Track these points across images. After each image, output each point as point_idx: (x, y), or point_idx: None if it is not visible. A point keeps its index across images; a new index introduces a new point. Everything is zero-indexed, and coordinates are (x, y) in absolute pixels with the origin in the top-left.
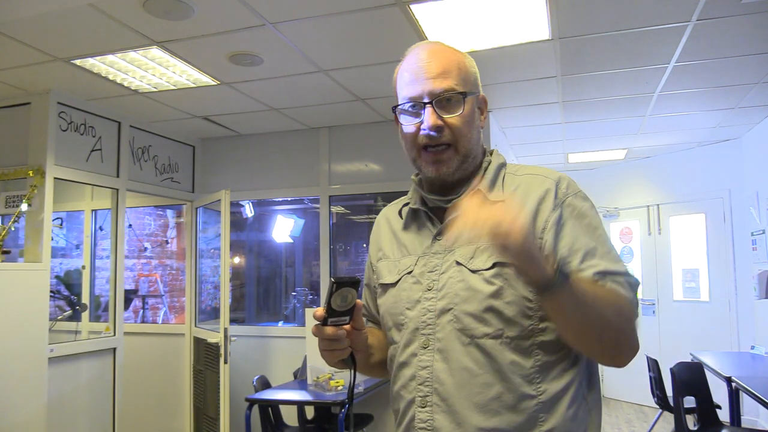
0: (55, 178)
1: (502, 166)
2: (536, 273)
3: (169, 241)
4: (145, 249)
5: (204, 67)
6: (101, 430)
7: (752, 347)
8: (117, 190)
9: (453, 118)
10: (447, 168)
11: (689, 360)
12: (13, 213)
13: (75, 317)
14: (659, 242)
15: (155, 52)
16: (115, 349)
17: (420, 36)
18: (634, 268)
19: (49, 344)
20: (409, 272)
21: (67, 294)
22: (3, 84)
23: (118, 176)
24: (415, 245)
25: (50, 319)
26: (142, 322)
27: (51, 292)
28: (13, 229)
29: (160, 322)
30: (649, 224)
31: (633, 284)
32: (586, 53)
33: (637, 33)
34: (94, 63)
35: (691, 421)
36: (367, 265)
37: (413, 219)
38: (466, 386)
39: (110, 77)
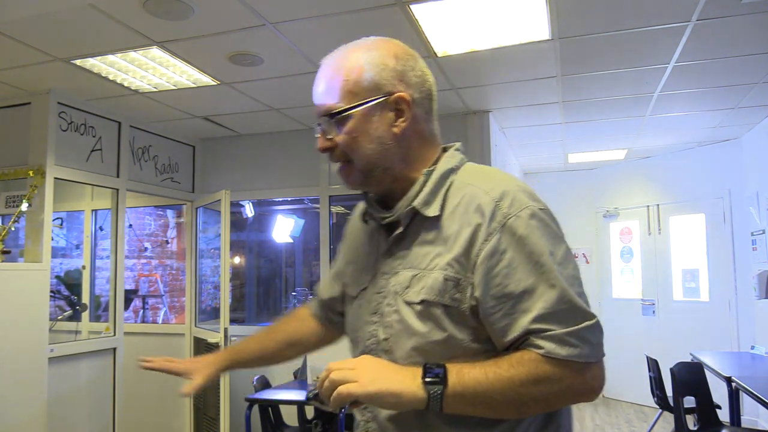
0: (55, 178)
1: (451, 172)
2: (400, 407)
3: (169, 241)
4: (146, 249)
5: (204, 67)
6: (101, 430)
7: (752, 347)
8: (117, 190)
9: (340, 137)
10: (352, 184)
11: (689, 360)
12: (14, 213)
13: (75, 317)
14: (659, 242)
15: (155, 52)
16: (115, 349)
17: (420, 36)
18: (635, 268)
19: (50, 344)
20: (365, 288)
21: (68, 294)
22: (3, 84)
23: (118, 176)
24: (370, 258)
25: (50, 319)
26: (143, 322)
27: (51, 292)
28: (13, 229)
29: (160, 322)
30: (649, 224)
31: (579, 335)
32: (586, 53)
33: (637, 33)
34: (94, 63)
35: (691, 421)
36: (338, 253)
37: (370, 227)
38: (400, 422)
39: (110, 77)
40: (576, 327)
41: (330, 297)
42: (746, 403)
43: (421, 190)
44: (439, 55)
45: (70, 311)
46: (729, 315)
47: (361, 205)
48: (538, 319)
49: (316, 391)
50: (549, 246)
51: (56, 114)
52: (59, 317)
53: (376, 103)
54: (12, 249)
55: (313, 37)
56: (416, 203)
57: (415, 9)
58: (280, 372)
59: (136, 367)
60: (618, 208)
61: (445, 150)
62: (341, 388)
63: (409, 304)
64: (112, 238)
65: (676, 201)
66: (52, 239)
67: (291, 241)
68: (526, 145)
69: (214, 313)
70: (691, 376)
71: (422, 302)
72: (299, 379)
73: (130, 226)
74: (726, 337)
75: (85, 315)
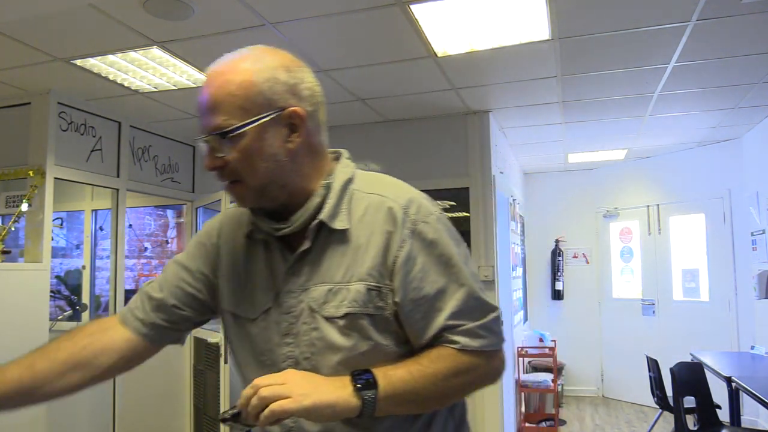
0: (55, 178)
1: (349, 182)
2: (335, 417)
3: (170, 241)
4: (146, 249)
5: (204, 67)
6: (101, 430)
7: (752, 347)
8: (117, 190)
9: (231, 155)
10: (244, 203)
11: (689, 360)
12: (14, 213)
13: (75, 317)
14: (659, 242)
15: (155, 52)
16: None
17: (420, 36)
18: (635, 268)
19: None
20: (267, 310)
21: (68, 294)
22: (3, 84)
23: (118, 176)
24: (268, 278)
25: (50, 319)
26: None
27: (51, 292)
28: (13, 229)
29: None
30: (649, 224)
31: (487, 327)
32: (586, 53)
33: (637, 33)
34: (94, 63)
35: (691, 421)
36: (190, 255)
37: (259, 244)
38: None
39: (110, 77)
40: (484, 320)
41: (176, 302)
42: (746, 403)
43: (323, 202)
44: (439, 55)
45: (70, 311)
46: (729, 315)
47: (230, 218)
48: (452, 316)
49: (237, 411)
50: (453, 247)
51: (56, 114)
52: (59, 317)
53: (269, 119)
54: (12, 249)
55: (313, 38)
56: (323, 217)
57: (415, 9)
58: None
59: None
60: (618, 208)
61: (336, 158)
62: (274, 406)
63: (329, 319)
64: (112, 238)
65: (676, 201)
66: (52, 239)
67: None
68: (526, 145)
69: None
70: (691, 376)
71: (346, 316)
72: None
73: (130, 226)
74: (726, 337)
75: (85, 315)
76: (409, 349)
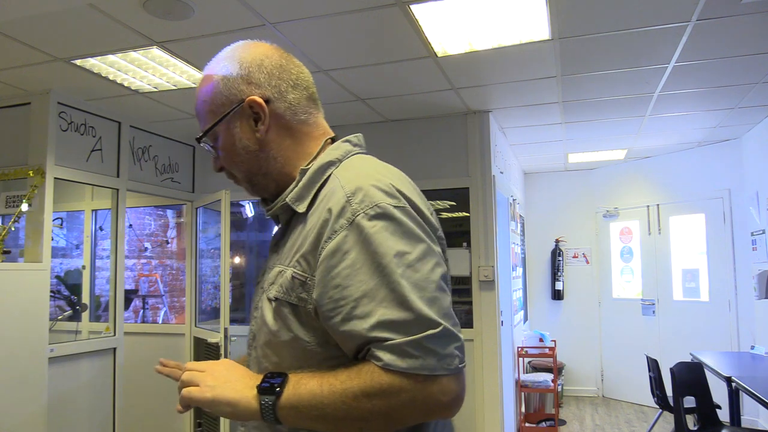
0: (55, 178)
1: (330, 165)
2: (236, 416)
3: (170, 241)
4: (146, 249)
5: (204, 68)
6: (101, 430)
7: (752, 347)
8: (117, 190)
9: (220, 155)
10: (248, 192)
11: (689, 360)
12: (14, 213)
13: (75, 317)
14: (659, 242)
15: (155, 52)
16: (115, 349)
17: (420, 36)
18: (635, 268)
19: (50, 344)
20: (258, 282)
21: (68, 294)
22: (3, 84)
23: (118, 176)
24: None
25: (50, 319)
26: (143, 322)
27: (51, 292)
28: (13, 229)
29: (160, 322)
30: (649, 224)
31: (421, 345)
32: (586, 53)
33: (637, 33)
34: (94, 63)
35: (691, 421)
36: None
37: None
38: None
39: (110, 77)
40: (417, 336)
41: None
42: (746, 403)
43: (295, 186)
44: (439, 55)
45: (70, 311)
46: (729, 315)
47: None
48: (377, 326)
49: None
50: (399, 246)
51: (56, 114)
52: (59, 317)
53: (232, 115)
54: (12, 249)
55: (313, 38)
56: (288, 199)
57: (415, 9)
58: None
59: (136, 366)
60: (618, 208)
61: (332, 141)
62: (184, 391)
63: (269, 300)
64: (112, 238)
65: (676, 201)
66: (52, 239)
67: None
68: (526, 145)
69: (214, 313)
70: (691, 376)
71: (275, 300)
72: None
73: (130, 226)
74: (726, 337)
75: (85, 315)
76: (339, 353)
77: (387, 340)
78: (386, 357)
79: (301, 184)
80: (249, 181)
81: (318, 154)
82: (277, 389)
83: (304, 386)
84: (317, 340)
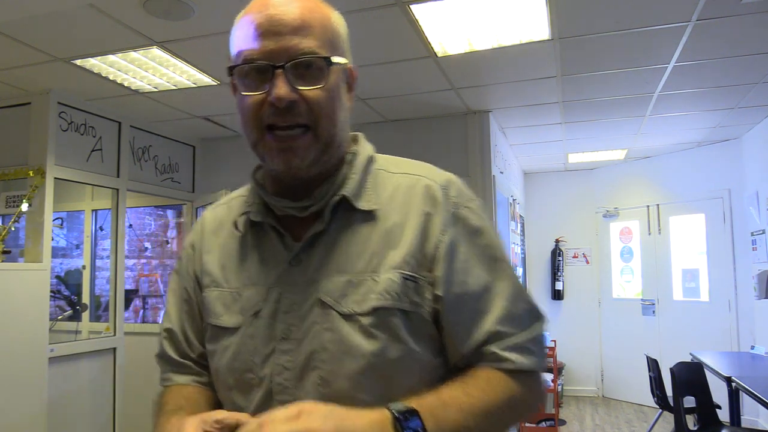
0: (55, 178)
1: (371, 161)
2: None
3: (170, 241)
4: (146, 249)
5: (204, 67)
6: (101, 430)
7: (752, 347)
8: (117, 190)
9: (313, 91)
10: (301, 160)
11: (689, 360)
12: (14, 213)
13: (75, 317)
14: (659, 242)
15: (156, 52)
16: (115, 349)
17: (420, 36)
18: (635, 268)
19: (50, 344)
20: (257, 312)
21: (68, 294)
22: (3, 84)
23: (118, 176)
24: (261, 271)
25: (50, 319)
26: (143, 321)
27: (51, 292)
28: (13, 229)
29: (160, 322)
30: (649, 224)
31: (537, 340)
32: (586, 53)
33: (637, 33)
34: (94, 63)
35: (691, 421)
36: (179, 275)
37: (256, 233)
38: None
39: (110, 77)
40: (535, 331)
41: (201, 350)
42: (746, 403)
43: (347, 177)
44: (439, 55)
45: (70, 311)
46: (729, 315)
47: (214, 212)
48: (500, 320)
49: None
50: (497, 238)
51: (56, 114)
52: (59, 317)
53: (345, 68)
54: (12, 249)
55: None
56: (346, 192)
57: (415, 9)
58: None
59: (136, 366)
60: (618, 208)
61: (353, 139)
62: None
63: (348, 317)
64: (112, 238)
65: (676, 201)
66: (53, 239)
67: None
68: (526, 145)
69: None
70: (691, 376)
71: (374, 311)
72: None
73: (130, 226)
74: (726, 337)
75: (85, 315)
76: (443, 361)
77: (510, 335)
78: (514, 357)
79: (355, 176)
80: (327, 143)
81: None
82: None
83: (444, 420)
84: (430, 350)
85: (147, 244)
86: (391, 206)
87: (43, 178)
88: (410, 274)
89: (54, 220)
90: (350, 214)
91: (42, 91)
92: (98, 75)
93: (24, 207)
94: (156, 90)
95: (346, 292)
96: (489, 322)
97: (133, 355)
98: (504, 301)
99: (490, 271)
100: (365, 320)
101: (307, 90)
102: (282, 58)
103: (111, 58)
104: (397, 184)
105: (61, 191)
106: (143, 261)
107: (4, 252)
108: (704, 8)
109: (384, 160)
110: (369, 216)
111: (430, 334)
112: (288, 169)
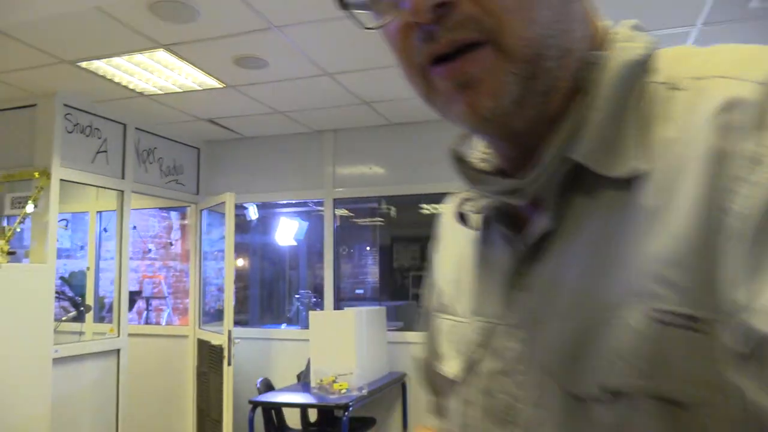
0: (60, 179)
1: (637, 67)
2: None
3: (173, 243)
4: (149, 251)
5: (209, 70)
6: (105, 430)
7: None
8: (122, 191)
9: None
10: (493, 99)
11: None
12: (19, 214)
13: (79, 318)
14: None
15: (161, 54)
16: (119, 350)
17: None
18: None
19: (54, 345)
20: (473, 365)
21: (72, 295)
22: (9, 86)
23: (123, 178)
24: (484, 291)
25: (55, 320)
26: (146, 323)
27: (56, 293)
28: (18, 230)
29: (164, 323)
30: None
31: None
32: None
33: None
34: (99, 66)
35: None
36: (426, 291)
37: (484, 228)
38: None
39: (116, 80)
40: None
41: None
42: None
43: (585, 117)
44: None
45: (75, 312)
46: None
47: (450, 205)
48: None
49: None
50: None
51: (62, 116)
52: (63, 318)
53: None
54: (17, 250)
55: (318, 41)
56: (579, 151)
57: None
58: (284, 374)
59: (139, 368)
60: None
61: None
62: None
63: (581, 399)
64: (117, 239)
65: None
66: (57, 240)
67: (295, 243)
68: None
69: (217, 315)
70: None
71: (614, 396)
72: (303, 381)
73: (135, 228)
74: None
75: (89, 316)
76: None
77: None
78: None
79: (598, 114)
80: (533, 63)
81: (605, 42)
82: None
83: None
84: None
85: (151, 246)
86: (668, 159)
87: (48, 179)
88: (669, 309)
89: (59, 221)
90: (597, 189)
91: (48, 93)
92: (103, 77)
93: (29, 208)
94: (161, 92)
95: (577, 353)
96: None
97: (137, 357)
98: None
99: None
100: (600, 411)
101: None
102: None
103: (116, 60)
104: (684, 109)
105: (67, 193)
106: (147, 263)
107: (10, 253)
108: (710, 13)
109: (672, 61)
110: (627, 188)
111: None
112: (476, 121)
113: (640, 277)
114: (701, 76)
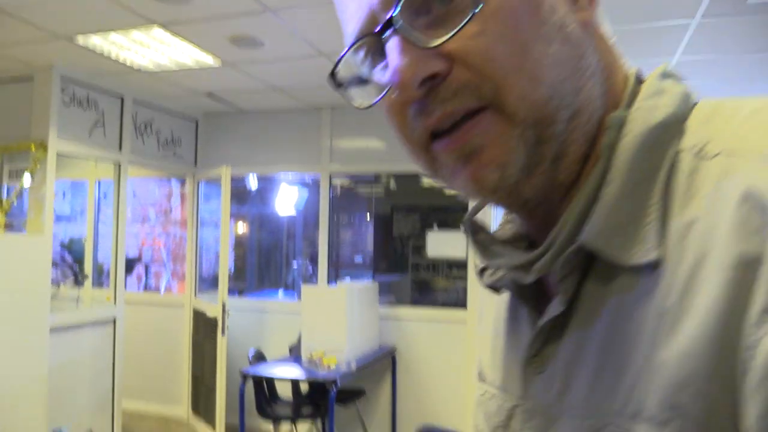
0: (57, 152)
1: (664, 132)
2: None
3: (174, 209)
4: (149, 217)
5: (206, 48)
6: (101, 399)
7: None
8: (119, 164)
9: (462, 35)
10: (499, 170)
11: None
12: (17, 185)
13: (77, 285)
14: None
15: (157, 32)
16: (115, 319)
17: None
18: None
19: (51, 312)
20: None
21: (71, 262)
22: (6, 59)
23: (120, 150)
24: (510, 366)
25: (53, 284)
26: (146, 289)
27: (57, 258)
28: (15, 202)
29: (163, 289)
30: None
31: None
32: None
33: (640, 30)
34: (96, 42)
35: None
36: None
37: (512, 297)
38: None
39: (112, 56)
40: None
41: None
42: None
43: (599, 190)
44: None
45: (73, 278)
46: None
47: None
48: None
49: None
50: None
51: (59, 88)
52: (62, 283)
53: None
54: (15, 221)
55: (313, 22)
56: (584, 238)
57: None
58: (276, 346)
59: (136, 336)
60: None
61: (639, 81)
62: None
63: None
64: (113, 211)
65: None
66: (56, 208)
67: (294, 213)
68: None
69: (216, 282)
70: None
71: None
72: (294, 354)
73: (135, 195)
74: None
75: (88, 283)
76: None
77: None
78: None
79: (613, 187)
80: (542, 123)
81: (627, 99)
82: None
83: None
84: None
85: (151, 212)
86: (687, 247)
87: (45, 151)
88: (696, 413)
89: (58, 190)
90: (610, 273)
91: (45, 66)
92: (100, 53)
93: (26, 180)
94: (158, 70)
95: None
96: None
97: (133, 325)
98: None
99: None
100: None
101: (449, 45)
102: (381, 15)
103: (113, 37)
104: (717, 187)
105: (66, 160)
106: (147, 229)
107: (7, 225)
108: (709, 6)
109: (703, 121)
110: (641, 274)
111: None
112: (483, 193)
113: (650, 397)
114: (731, 148)
